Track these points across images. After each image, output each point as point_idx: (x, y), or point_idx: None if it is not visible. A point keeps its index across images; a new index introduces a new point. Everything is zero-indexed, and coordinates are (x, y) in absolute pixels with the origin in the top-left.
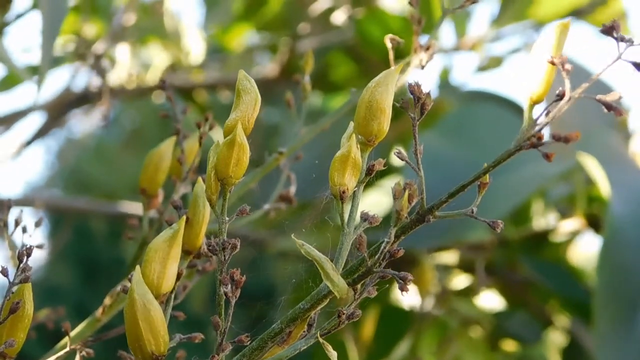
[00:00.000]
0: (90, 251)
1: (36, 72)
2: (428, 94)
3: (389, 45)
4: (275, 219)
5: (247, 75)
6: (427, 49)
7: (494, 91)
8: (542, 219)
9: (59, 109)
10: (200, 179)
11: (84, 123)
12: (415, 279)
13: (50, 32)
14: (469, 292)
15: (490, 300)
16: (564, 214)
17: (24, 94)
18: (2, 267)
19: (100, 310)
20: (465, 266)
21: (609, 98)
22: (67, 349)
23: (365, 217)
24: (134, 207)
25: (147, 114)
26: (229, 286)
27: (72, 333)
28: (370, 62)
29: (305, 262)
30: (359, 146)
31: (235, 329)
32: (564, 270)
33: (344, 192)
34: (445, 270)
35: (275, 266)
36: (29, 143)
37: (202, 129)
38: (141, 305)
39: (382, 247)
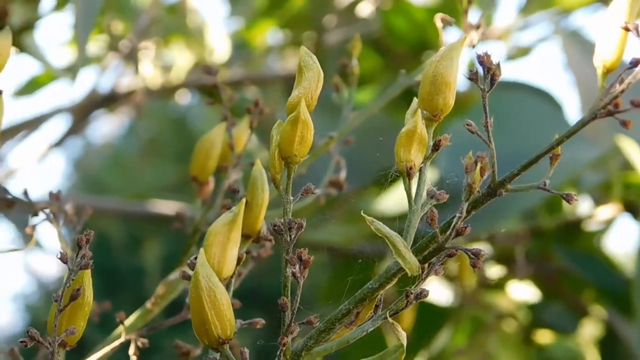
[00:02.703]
0: (109, 261)
1: (70, 69)
2: (498, 65)
3: (439, 25)
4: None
5: (308, 51)
6: (478, 28)
7: (522, 80)
8: (576, 207)
9: (85, 110)
10: (258, 161)
11: (102, 132)
12: (455, 271)
13: (84, 25)
14: (503, 284)
15: (524, 292)
16: (598, 202)
17: (47, 98)
18: (61, 253)
19: (152, 300)
20: (500, 258)
21: None
22: (122, 339)
23: (432, 193)
24: (164, 206)
25: (163, 122)
26: (297, 266)
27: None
28: (396, 54)
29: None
30: (424, 121)
31: (254, 335)
32: (599, 260)
33: (411, 168)
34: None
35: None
36: (57, 145)
37: (252, 114)
38: (207, 287)
39: (453, 223)
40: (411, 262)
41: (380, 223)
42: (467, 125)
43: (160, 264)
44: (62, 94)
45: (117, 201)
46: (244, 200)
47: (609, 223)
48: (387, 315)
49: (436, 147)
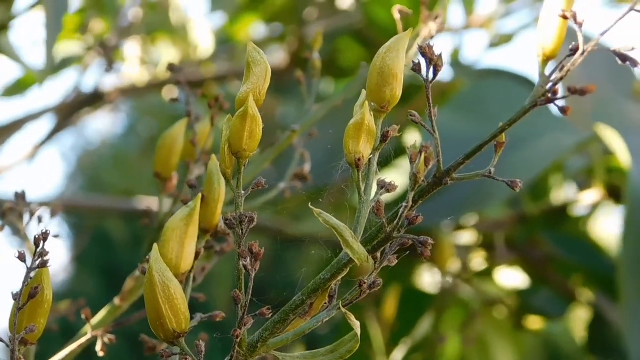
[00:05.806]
0: (112, 260)
1: (43, 71)
2: (440, 56)
3: (397, 16)
4: (293, 206)
5: (256, 47)
6: (436, 18)
7: (505, 67)
8: (561, 193)
9: (70, 110)
10: (214, 156)
11: (101, 131)
12: (435, 257)
13: (54, 26)
14: (490, 271)
15: (513, 278)
16: (583, 186)
17: (35, 99)
18: (20, 252)
19: (120, 296)
20: (485, 245)
21: (622, 49)
22: (89, 336)
23: (382, 184)
24: (152, 202)
25: (162, 120)
26: (248, 259)
27: (93, 321)
28: (379, 46)
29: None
30: (372, 113)
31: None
32: (586, 244)
33: (359, 159)
34: (465, 249)
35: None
36: (42, 144)
37: (213, 109)
38: (160, 282)
39: (400, 212)
40: (359, 252)
41: (328, 215)
42: (411, 116)
43: None
44: (47, 94)
45: (109, 199)
46: (199, 195)
47: (594, 207)
48: (341, 306)
49: (384, 138)
